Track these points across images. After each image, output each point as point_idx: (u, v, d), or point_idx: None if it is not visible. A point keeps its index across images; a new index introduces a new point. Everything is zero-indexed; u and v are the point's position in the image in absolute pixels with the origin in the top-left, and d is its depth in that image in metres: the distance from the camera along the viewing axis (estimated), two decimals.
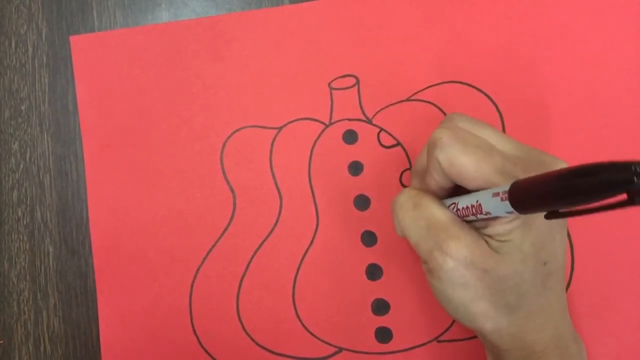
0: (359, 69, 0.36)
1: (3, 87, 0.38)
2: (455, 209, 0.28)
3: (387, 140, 0.36)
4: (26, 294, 0.37)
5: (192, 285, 0.36)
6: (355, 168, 0.36)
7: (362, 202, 0.36)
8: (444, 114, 0.36)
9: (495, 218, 0.26)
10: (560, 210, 0.21)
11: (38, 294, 0.37)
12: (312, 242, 0.36)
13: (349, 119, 0.36)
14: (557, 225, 0.27)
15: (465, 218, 0.27)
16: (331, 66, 0.36)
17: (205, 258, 0.36)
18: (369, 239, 0.36)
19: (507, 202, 0.22)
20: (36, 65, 0.38)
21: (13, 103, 0.38)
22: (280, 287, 0.36)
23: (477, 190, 0.26)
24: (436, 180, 0.28)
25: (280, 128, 0.36)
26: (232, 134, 0.37)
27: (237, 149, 0.36)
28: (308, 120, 0.36)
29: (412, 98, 0.36)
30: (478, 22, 0.36)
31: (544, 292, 0.27)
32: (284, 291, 0.36)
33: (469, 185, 0.26)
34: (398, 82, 0.36)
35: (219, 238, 0.36)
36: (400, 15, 0.36)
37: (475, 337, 0.34)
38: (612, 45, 0.35)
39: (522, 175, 0.24)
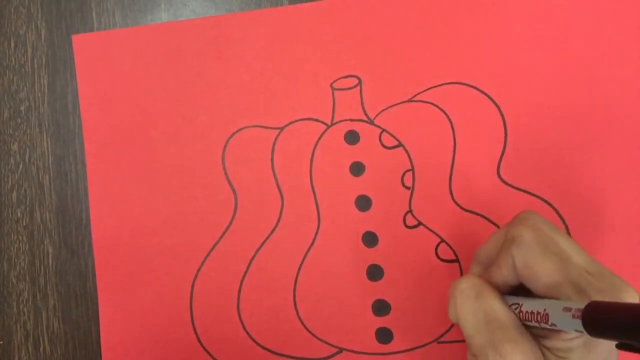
0: (361, 70, 0.36)
1: (2, 87, 0.38)
2: (518, 309, 0.27)
3: (388, 141, 0.36)
4: (26, 294, 0.37)
5: (192, 285, 0.36)
6: (357, 169, 0.36)
7: (363, 203, 0.36)
8: (446, 115, 0.36)
9: (559, 331, 0.25)
10: (635, 345, 0.20)
11: (37, 294, 0.37)
12: (313, 242, 0.36)
13: (350, 120, 0.36)
14: (615, 351, 0.26)
15: (527, 322, 0.26)
16: (333, 67, 0.36)
17: (206, 258, 0.36)
18: (369, 239, 0.36)
19: (579, 321, 0.21)
20: (35, 65, 0.38)
21: (12, 104, 0.38)
22: (281, 287, 0.36)
23: (543, 296, 0.26)
24: (503, 275, 0.27)
25: (282, 128, 0.36)
26: (233, 133, 0.37)
27: (239, 149, 0.36)
28: (310, 121, 0.36)
29: (414, 99, 0.36)
30: (480, 23, 0.36)
31: None
32: (284, 291, 0.36)
33: (537, 290, 0.26)
34: (400, 83, 0.36)
35: (220, 238, 0.36)
36: (402, 15, 0.36)
37: None
38: (613, 46, 0.36)
39: (595, 295, 0.24)
